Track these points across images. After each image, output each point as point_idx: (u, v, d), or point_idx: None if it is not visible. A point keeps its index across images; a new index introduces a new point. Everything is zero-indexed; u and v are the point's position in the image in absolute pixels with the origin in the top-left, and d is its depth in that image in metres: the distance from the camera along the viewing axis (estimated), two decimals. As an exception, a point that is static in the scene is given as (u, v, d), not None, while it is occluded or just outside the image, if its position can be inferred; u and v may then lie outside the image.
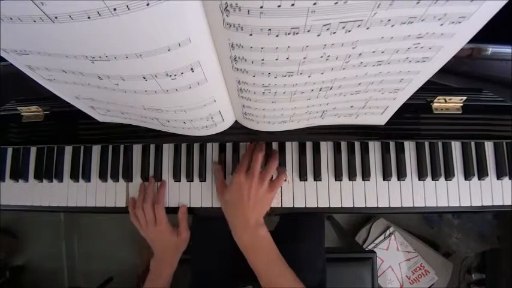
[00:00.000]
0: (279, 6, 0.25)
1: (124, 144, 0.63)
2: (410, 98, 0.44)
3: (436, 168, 0.59)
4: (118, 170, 0.63)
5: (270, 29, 0.28)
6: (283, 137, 0.57)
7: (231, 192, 0.54)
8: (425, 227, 1.32)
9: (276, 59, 0.32)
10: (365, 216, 1.32)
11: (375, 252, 0.83)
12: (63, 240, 1.40)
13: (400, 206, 0.59)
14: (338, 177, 0.60)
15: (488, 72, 0.47)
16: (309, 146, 0.61)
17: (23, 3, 0.24)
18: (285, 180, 0.59)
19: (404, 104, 0.46)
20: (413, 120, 0.56)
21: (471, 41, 0.31)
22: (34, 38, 0.30)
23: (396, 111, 0.49)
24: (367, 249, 1.22)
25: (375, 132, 0.56)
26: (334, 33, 0.29)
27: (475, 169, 0.59)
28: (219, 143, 0.62)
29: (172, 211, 0.61)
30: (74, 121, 0.60)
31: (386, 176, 0.59)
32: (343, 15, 0.26)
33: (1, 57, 0.34)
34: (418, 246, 1.25)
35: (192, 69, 0.34)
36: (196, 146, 0.63)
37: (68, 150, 0.65)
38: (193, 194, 0.62)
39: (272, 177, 0.58)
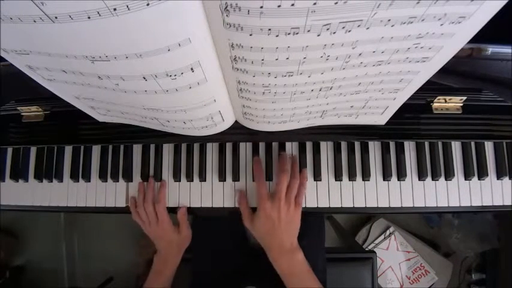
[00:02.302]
0: (279, 6, 0.25)
1: (124, 144, 0.63)
2: (410, 98, 0.44)
3: (436, 168, 0.59)
4: (118, 170, 0.63)
5: (270, 29, 0.28)
6: (283, 137, 0.57)
7: (261, 221, 0.52)
8: (425, 227, 1.32)
9: (276, 59, 0.32)
10: (365, 216, 1.32)
11: (375, 252, 0.83)
12: (63, 240, 1.40)
13: (400, 206, 0.59)
14: (338, 177, 0.60)
15: (488, 72, 0.47)
16: (309, 146, 0.61)
17: (23, 3, 0.24)
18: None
19: (404, 104, 0.46)
20: (413, 120, 0.56)
21: (471, 41, 0.31)
22: (34, 38, 0.30)
23: (396, 111, 0.49)
24: (367, 249, 1.22)
25: (375, 132, 0.56)
26: (334, 33, 0.29)
27: (475, 169, 0.59)
28: (219, 143, 0.62)
29: (172, 211, 0.61)
30: (74, 121, 0.60)
31: (386, 176, 0.59)
32: (343, 15, 0.26)
33: (1, 57, 0.34)
34: (418, 246, 1.25)
35: (192, 69, 0.34)
36: (196, 146, 0.63)
37: (68, 150, 0.65)
38: (193, 194, 0.62)
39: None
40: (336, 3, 0.25)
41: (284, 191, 0.52)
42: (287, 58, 0.32)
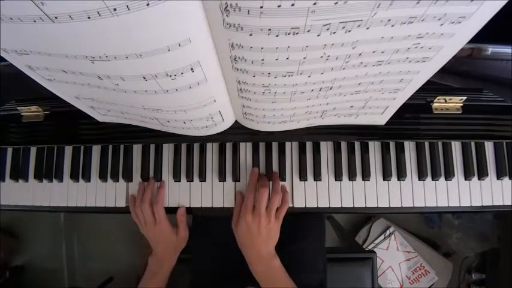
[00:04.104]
0: (279, 6, 0.25)
1: (124, 144, 0.63)
2: (410, 98, 0.44)
3: (436, 168, 0.59)
4: (118, 170, 0.63)
5: (270, 29, 0.28)
6: (283, 137, 0.57)
7: (242, 231, 0.54)
8: (425, 227, 1.31)
9: (276, 59, 0.32)
10: (365, 216, 1.32)
11: (375, 252, 0.83)
12: (63, 240, 1.40)
13: (400, 206, 0.59)
14: (338, 177, 0.60)
15: (488, 72, 0.47)
16: (309, 146, 0.61)
17: (23, 3, 0.24)
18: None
19: (404, 104, 0.46)
20: (413, 120, 0.56)
21: (471, 41, 0.31)
22: (34, 38, 0.30)
23: (396, 111, 0.49)
24: (367, 249, 1.22)
25: (375, 132, 0.56)
26: (334, 33, 0.29)
27: (475, 169, 0.59)
28: (219, 143, 0.62)
29: (171, 211, 0.61)
30: (74, 121, 0.60)
31: (386, 176, 0.59)
32: (343, 15, 0.26)
33: (1, 57, 0.34)
34: (418, 246, 1.25)
35: (192, 69, 0.34)
36: (196, 146, 0.63)
37: (68, 150, 0.65)
38: (193, 194, 0.62)
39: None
40: (336, 3, 0.25)
41: (264, 206, 0.54)
42: (287, 58, 0.32)
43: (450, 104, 0.56)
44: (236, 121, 0.53)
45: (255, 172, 0.60)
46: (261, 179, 0.58)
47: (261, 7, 0.25)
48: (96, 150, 0.64)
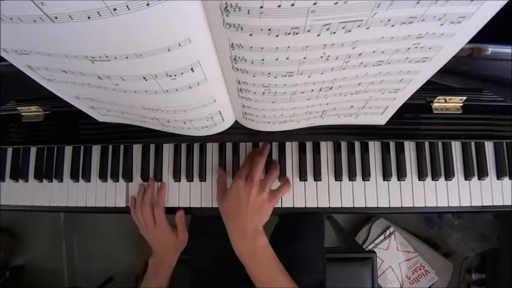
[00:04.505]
0: (279, 6, 0.25)
1: (124, 144, 0.63)
2: (410, 98, 0.44)
3: (436, 168, 0.59)
4: (118, 170, 0.63)
5: (270, 29, 0.28)
6: (283, 137, 0.57)
7: (230, 198, 0.52)
8: (425, 227, 1.32)
9: (276, 59, 0.32)
10: (365, 216, 1.32)
11: (375, 252, 0.83)
12: (63, 240, 1.40)
13: (400, 206, 0.59)
14: (338, 177, 0.60)
15: (488, 72, 0.47)
16: (309, 146, 0.61)
17: (23, 3, 0.24)
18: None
19: (404, 104, 0.46)
20: (413, 120, 0.56)
21: (471, 41, 0.31)
22: (34, 38, 0.30)
23: (396, 111, 0.49)
24: (367, 249, 1.22)
25: (375, 132, 0.56)
26: (334, 33, 0.29)
27: (475, 169, 0.59)
28: (219, 143, 0.62)
29: (171, 211, 0.61)
30: (74, 121, 0.60)
31: (386, 176, 0.59)
32: (343, 15, 0.26)
33: (1, 57, 0.34)
34: (418, 246, 1.25)
35: (192, 69, 0.34)
36: (196, 146, 0.63)
37: (68, 150, 0.65)
38: (193, 194, 0.62)
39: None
40: (336, 3, 0.25)
41: (258, 174, 0.52)
42: (287, 58, 0.32)
43: (450, 104, 0.56)
44: (236, 121, 0.53)
45: (254, 150, 0.60)
46: (258, 150, 0.58)
47: (261, 7, 0.25)
48: (96, 150, 0.64)
